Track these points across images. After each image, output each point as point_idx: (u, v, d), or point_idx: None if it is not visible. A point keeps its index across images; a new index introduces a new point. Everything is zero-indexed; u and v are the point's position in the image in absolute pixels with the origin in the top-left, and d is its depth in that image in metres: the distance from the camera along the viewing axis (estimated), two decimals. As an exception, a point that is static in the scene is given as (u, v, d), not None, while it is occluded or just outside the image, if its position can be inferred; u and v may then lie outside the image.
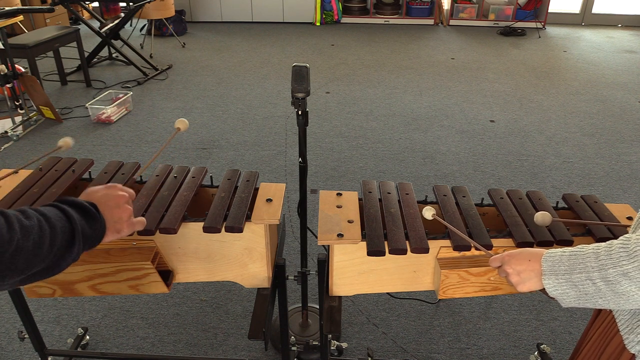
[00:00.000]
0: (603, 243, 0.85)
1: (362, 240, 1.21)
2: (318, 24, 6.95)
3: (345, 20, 7.07)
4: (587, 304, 0.85)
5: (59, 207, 0.77)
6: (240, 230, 1.22)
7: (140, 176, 1.48)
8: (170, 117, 3.98)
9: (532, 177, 3.18)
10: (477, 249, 1.21)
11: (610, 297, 0.81)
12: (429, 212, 1.18)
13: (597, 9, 7.18)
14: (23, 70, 3.95)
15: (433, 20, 7.02)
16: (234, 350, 1.94)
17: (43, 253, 0.71)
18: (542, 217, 1.20)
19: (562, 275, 0.86)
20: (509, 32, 6.57)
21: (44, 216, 0.73)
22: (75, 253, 0.76)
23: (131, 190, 0.93)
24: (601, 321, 1.04)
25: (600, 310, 1.07)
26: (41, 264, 0.71)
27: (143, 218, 0.94)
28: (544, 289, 0.90)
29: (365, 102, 4.33)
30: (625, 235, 0.82)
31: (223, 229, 1.22)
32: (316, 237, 1.25)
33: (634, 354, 0.91)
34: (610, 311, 0.99)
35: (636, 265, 0.77)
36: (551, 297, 0.91)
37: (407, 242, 1.20)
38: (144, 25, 6.38)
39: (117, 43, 5.14)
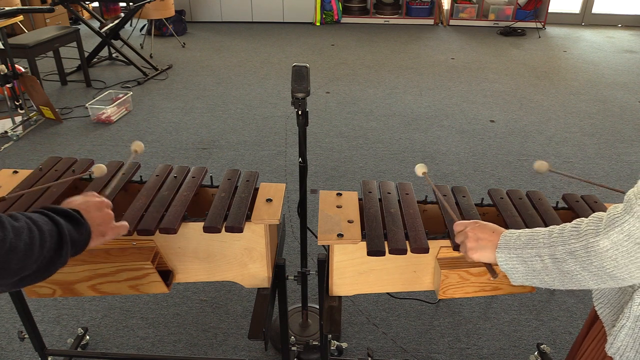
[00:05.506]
0: (560, 225, 0.87)
1: (362, 240, 1.21)
2: (318, 24, 6.95)
3: (345, 20, 7.07)
4: (535, 281, 0.88)
5: (44, 213, 0.79)
6: (241, 230, 1.22)
7: (140, 176, 1.48)
8: (170, 117, 3.98)
9: (532, 177, 3.18)
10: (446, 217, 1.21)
11: (556, 275, 0.84)
12: (420, 170, 1.29)
13: (597, 9, 7.18)
14: (23, 70, 3.95)
15: (433, 20, 7.02)
16: (234, 350, 1.94)
17: (34, 254, 0.72)
18: (539, 165, 1.32)
19: (514, 250, 0.89)
20: (509, 32, 6.57)
21: (31, 219, 0.74)
22: (64, 257, 0.77)
23: (107, 200, 0.95)
24: (596, 332, 1.04)
25: (593, 323, 1.06)
26: (33, 266, 0.72)
27: (125, 222, 0.97)
28: (493, 263, 0.94)
29: (365, 102, 4.33)
30: (580, 218, 0.84)
31: (223, 229, 1.22)
32: (316, 237, 1.25)
33: None
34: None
35: (583, 244, 0.79)
36: (499, 273, 0.95)
37: (407, 242, 1.20)
38: (144, 25, 6.38)
39: (117, 43, 5.14)
